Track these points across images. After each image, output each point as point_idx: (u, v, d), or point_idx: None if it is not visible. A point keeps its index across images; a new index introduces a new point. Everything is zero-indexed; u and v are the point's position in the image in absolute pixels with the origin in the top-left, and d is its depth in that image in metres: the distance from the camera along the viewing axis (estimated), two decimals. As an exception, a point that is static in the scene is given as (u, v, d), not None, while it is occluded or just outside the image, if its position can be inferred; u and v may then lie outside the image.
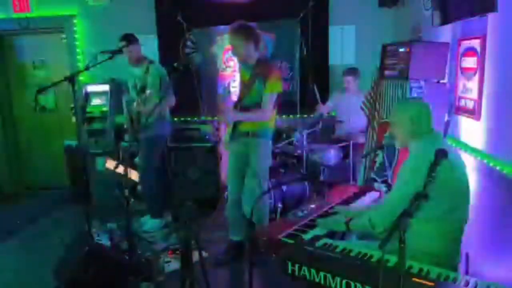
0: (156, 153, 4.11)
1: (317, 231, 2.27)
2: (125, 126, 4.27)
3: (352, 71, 4.44)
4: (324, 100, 4.64)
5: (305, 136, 3.98)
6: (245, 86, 3.16)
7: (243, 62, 3.24)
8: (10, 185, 5.67)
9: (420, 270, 1.76)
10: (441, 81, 3.05)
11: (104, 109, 4.84)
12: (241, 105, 3.19)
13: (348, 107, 4.35)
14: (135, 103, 3.98)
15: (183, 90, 4.20)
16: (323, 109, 4.55)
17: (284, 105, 5.00)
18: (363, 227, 2.17)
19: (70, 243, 3.26)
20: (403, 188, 1.97)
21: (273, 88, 3.12)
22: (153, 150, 4.07)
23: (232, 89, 4.54)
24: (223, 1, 4.83)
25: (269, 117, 3.19)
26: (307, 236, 2.17)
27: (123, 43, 3.89)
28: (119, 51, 3.57)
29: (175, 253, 3.43)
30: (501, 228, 2.29)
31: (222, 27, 4.94)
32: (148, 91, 3.79)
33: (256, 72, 3.10)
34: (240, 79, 3.34)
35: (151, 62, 4.03)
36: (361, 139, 4.14)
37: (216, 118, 3.29)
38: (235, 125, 3.24)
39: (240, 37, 3.09)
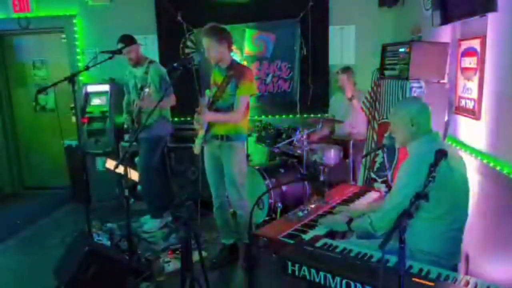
0: (156, 153, 4.10)
1: (317, 231, 2.27)
2: (125, 126, 4.26)
3: (345, 69, 4.43)
4: (324, 103, 4.67)
5: (305, 136, 3.97)
6: (218, 89, 3.13)
7: (216, 64, 3.21)
8: (10, 185, 5.67)
9: (420, 270, 1.76)
10: (441, 81, 3.05)
11: (104, 109, 4.85)
12: (215, 108, 3.16)
13: (346, 107, 4.35)
14: (135, 104, 3.98)
15: (183, 90, 4.19)
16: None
17: (284, 105, 5.02)
18: (364, 228, 2.17)
19: (70, 243, 3.26)
20: (404, 190, 1.97)
21: (246, 90, 3.11)
22: (153, 150, 4.07)
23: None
24: (223, 1, 4.83)
25: (240, 118, 3.17)
26: (307, 236, 2.18)
27: (121, 45, 3.87)
28: (119, 51, 3.58)
29: (175, 253, 3.43)
30: (501, 228, 2.28)
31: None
32: (146, 90, 3.79)
33: (229, 74, 3.08)
34: (213, 81, 3.31)
35: (151, 62, 4.02)
36: (361, 137, 4.14)
37: (194, 119, 3.23)
38: (208, 128, 3.19)
39: (213, 38, 3.08)
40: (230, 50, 3.20)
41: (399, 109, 2.22)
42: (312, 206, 2.64)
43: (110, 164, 3.22)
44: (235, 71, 3.09)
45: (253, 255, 3.01)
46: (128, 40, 3.93)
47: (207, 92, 3.27)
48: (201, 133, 3.20)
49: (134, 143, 3.85)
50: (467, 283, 1.65)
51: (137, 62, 4.00)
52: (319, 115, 4.77)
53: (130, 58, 3.97)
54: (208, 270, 3.15)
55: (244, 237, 3.37)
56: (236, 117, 3.15)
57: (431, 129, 2.14)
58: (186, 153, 4.64)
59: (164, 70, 3.97)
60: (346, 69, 4.42)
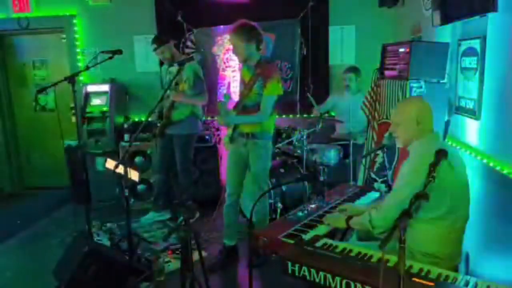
0: (190, 149, 4.16)
1: (317, 231, 2.27)
2: (150, 119, 4.24)
3: (353, 68, 4.45)
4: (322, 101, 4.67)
5: (305, 136, 3.98)
6: (246, 87, 3.11)
7: (243, 62, 3.19)
8: (10, 185, 5.67)
9: (420, 270, 1.76)
10: (441, 81, 3.05)
11: (104, 109, 4.85)
12: (242, 106, 3.13)
13: (348, 107, 4.35)
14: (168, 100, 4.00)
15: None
16: (318, 112, 4.58)
17: (284, 105, 5.01)
18: (364, 226, 2.17)
19: (70, 243, 3.26)
20: (405, 189, 1.97)
21: (273, 91, 3.07)
22: (187, 147, 4.12)
23: (232, 90, 4.54)
24: (223, 1, 4.83)
25: (267, 119, 3.14)
26: (307, 236, 2.17)
27: (153, 46, 3.92)
28: (119, 51, 3.58)
29: (175, 253, 3.43)
30: (501, 228, 2.29)
31: (222, 27, 4.94)
32: (180, 86, 3.81)
33: (257, 73, 3.02)
34: (241, 79, 3.30)
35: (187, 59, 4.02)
36: (361, 140, 4.15)
37: (216, 118, 3.24)
38: (235, 126, 3.21)
39: (242, 37, 3.02)
40: (259, 48, 3.12)
41: (404, 107, 2.20)
42: (312, 206, 2.63)
43: (110, 164, 3.22)
44: (263, 70, 3.02)
45: (260, 253, 2.99)
46: (159, 41, 3.97)
47: (226, 96, 3.23)
48: (229, 130, 3.23)
49: (136, 143, 3.85)
50: (467, 283, 1.65)
51: (173, 60, 4.01)
52: (319, 115, 4.77)
53: (164, 58, 4.03)
54: (207, 271, 3.16)
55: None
56: (263, 118, 3.11)
57: (433, 128, 2.14)
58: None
59: (198, 67, 3.99)
60: (354, 68, 4.43)
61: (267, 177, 3.31)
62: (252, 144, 3.19)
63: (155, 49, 3.98)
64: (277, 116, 3.41)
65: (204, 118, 4.87)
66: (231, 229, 3.41)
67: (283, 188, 3.90)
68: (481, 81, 2.50)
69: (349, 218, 2.27)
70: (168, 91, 4.01)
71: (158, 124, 4.16)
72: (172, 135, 4.08)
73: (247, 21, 3.09)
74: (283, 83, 4.97)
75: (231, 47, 3.21)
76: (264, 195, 3.25)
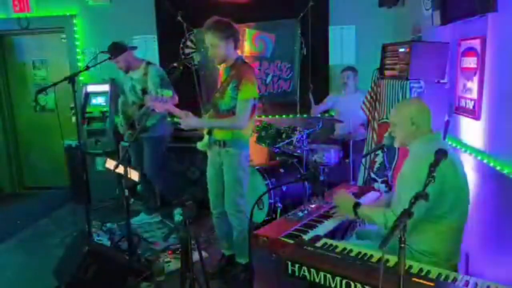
0: (160, 152, 4.12)
1: (317, 231, 2.27)
2: (120, 128, 4.22)
3: (351, 67, 4.47)
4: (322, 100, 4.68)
5: (305, 136, 3.98)
6: (219, 89, 2.87)
7: (221, 64, 2.89)
8: (10, 185, 5.67)
9: (420, 270, 1.76)
10: (441, 81, 3.05)
11: (104, 109, 4.85)
12: (216, 110, 2.90)
13: (347, 106, 4.36)
14: (134, 106, 3.97)
15: (183, 90, 4.20)
16: (317, 110, 4.59)
17: (284, 105, 5.02)
18: (375, 223, 2.13)
19: (70, 243, 3.26)
20: (411, 194, 1.95)
21: (248, 94, 2.76)
22: (158, 150, 4.09)
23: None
24: (223, 1, 4.83)
25: (245, 125, 2.81)
26: (307, 236, 2.17)
27: (109, 55, 3.79)
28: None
29: (175, 253, 3.43)
30: (501, 228, 2.29)
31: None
32: (151, 92, 3.77)
33: (231, 75, 2.79)
34: (220, 81, 3.02)
35: (148, 63, 3.97)
36: (361, 136, 4.15)
37: (179, 121, 2.86)
38: (209, 132, 2.95)
39: (219, 34, 2.72)
40: (237, 48, 2.86)
41: (399, 109, 2.24)
42: (312, 206, 2.64)
43: (110, 164, 3.22)
44: (236, 71, 2.80)
45: (253, 269, 2.92)
46: (114, 52, 3.81)
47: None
48: (205, 137, 3.02)
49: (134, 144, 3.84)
50: (467, 283, 1.65)
51: (128, 68, 3.94)
52: (319, 115, 4.78)
53: (120, 67, 3.94)
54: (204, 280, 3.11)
55: (239, 255, 3.10)
56: (239, 124, 2.80)
57: (431, 129, 2.15)
58: (186, 153, 4.65)
59: (162, 71, 3.95)
60: (351, 67, 4.46)
61: (242, 188, 2.94)
62: (224, 153, 2.90)
63: (110, 58, 3.77)
64: (276, 116, 3.32)
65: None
66: (226, 240, 3.22)
67: (283, 188, 3.90)
68: (481, 81, 2.50)
69: (357, 205, 2.23)
70: (134, 99, 3.95)
71: (128, 133, 4.09)
72: (143, 138, 4.00)
73: (221, 18, 2.82)
74: (283, 83, 4.98)
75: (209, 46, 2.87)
76: (261, 200, 3.16)
